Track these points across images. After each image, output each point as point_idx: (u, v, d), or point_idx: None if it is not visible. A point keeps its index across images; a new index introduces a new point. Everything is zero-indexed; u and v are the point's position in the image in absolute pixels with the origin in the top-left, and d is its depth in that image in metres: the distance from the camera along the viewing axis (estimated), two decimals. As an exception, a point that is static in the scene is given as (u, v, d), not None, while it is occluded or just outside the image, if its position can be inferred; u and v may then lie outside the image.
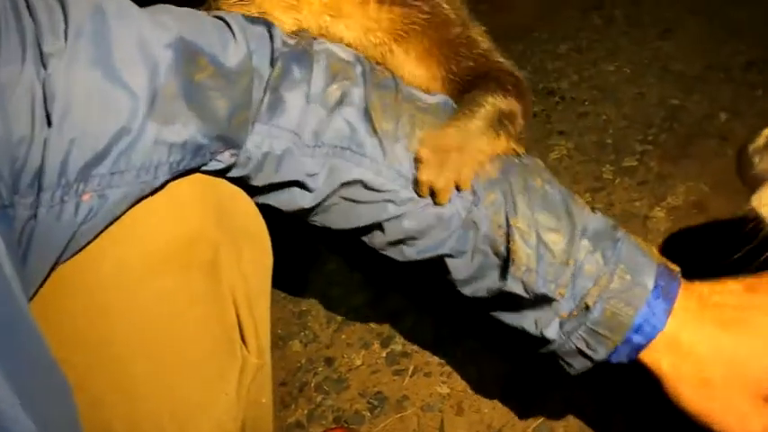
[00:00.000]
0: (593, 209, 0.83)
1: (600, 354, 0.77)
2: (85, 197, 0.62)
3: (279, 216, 0.83)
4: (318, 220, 0.83)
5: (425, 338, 1.41)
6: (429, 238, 0.79)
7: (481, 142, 0.76)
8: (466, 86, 0.82)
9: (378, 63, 0.84)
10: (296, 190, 0.78)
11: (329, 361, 1.43)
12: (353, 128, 0.76)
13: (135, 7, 0.68)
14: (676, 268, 0.79)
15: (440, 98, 0.83)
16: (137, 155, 0.64)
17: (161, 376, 0.71)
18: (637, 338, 0.74)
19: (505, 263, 0.77)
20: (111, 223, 0.66)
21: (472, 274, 0.81)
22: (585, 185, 1.65)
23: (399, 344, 1.42)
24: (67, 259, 0.65)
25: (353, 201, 0.78)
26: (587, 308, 0.74)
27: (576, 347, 0.78)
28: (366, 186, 0.77)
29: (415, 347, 1.40)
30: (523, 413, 1.23)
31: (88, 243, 0.66)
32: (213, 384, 0.74)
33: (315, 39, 0.80)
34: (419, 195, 0.77)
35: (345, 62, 0.79)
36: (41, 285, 0.65)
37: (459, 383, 1.31)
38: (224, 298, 0.74)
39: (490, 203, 0.76)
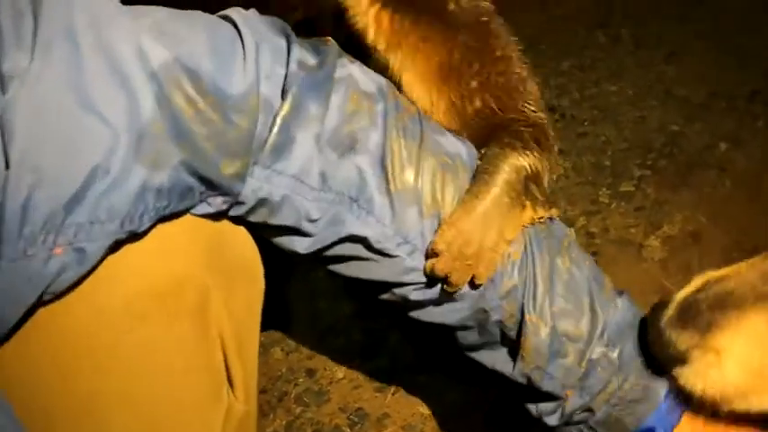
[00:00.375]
0: (619, 292, 0.76)
1: None
2: (57, 250, 0.53)
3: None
4: (324, 263, 0.76)
5: (410, 357, 1.39)
6: (435, 310, 0.74)
7: (504, 224, 0.68)
8: (487, 127, 0.75)
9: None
10: (293, 235, 0.70)
11: (311, 372, 1.40)
12: (364, 180, 0.67)
13: (121, 15, 0.57)
14: None
15: (463, 149, 0.74)
16: (120, 201, 0.55)
17: (143, 426, 0.65)
18: None
19: (514, 349, 0.72)
20: (91, 272, 0.58)
21: (478, 344, 0.77)
22: (581, 208, 1.63)
23: (384, 360, 1.39)
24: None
25: (357, 257, 0.71)
26: (592, 410, 0.71)
27: None
28: (368, 247, 0.70)
29: (400, 365, 1.37)
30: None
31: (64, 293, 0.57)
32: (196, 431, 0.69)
33: (339, 57, 0.70)
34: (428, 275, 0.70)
35: (367, 96, 0.68)
36: (13, 330, 0.57)
37: (442, 406, 1.29)
38: (212, 342, 0.68)
39: (506, 293, 0.70)
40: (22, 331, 0.57)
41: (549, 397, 0.73)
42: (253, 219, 0.69)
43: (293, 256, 0.74)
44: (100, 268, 0.59)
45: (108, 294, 0.60)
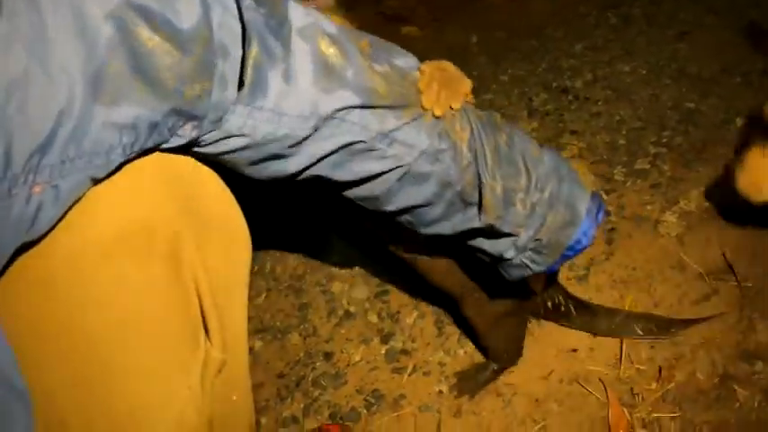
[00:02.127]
0: (543, 147, 0.97)
1: (540, 267, 0.97)
2: (36, 189, 0.59)
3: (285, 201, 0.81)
4: (306, 181, 0.84)
5: (427, 337, 1.39)
6: (410, 191, 0.88)
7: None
8: None
9: None
10: (279, 161, 0.78)
11: (328, 356, 1.41)
12: (347, 106, 0.77)
13: None
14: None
15: (412, 62, 0.87)
16: (86, 140, 0.60)
17: (118, 368, 0.68)
18: (569, 253, 0.97)
19: (477, 208, 0.91)
20: (68, 211, 0.63)
21: (440, 216, 0.92)
22: (597, 186, 1.61)
23: (400, 341, 1.39)
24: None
25: (342, 162, 0.81)
26: (539, 239, 0.94)
27: (523, 263, 0.97)
28: (354, 150, 0.80)
29: (416, 345, 1.37)
30: (522, 420, 1.21)
31: (45, 234, 0.62)
32: (174, 377, 0.71)
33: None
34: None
35: (328, 34, 0.78)
36: None
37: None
38: (186, 288, 0.71)
39: (464, 167, 0.88)
40: (3, 279, 0.62)
41: (506, 236, 0.94)
42: (229, 150, 0.74)
43: (276, 181, 0.82)
44: (74, 212, 0.63)
45: (82, 238, 0.64)
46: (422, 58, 0.88)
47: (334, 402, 1.33)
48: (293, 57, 0.73)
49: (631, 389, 1.22)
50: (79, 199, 0.64)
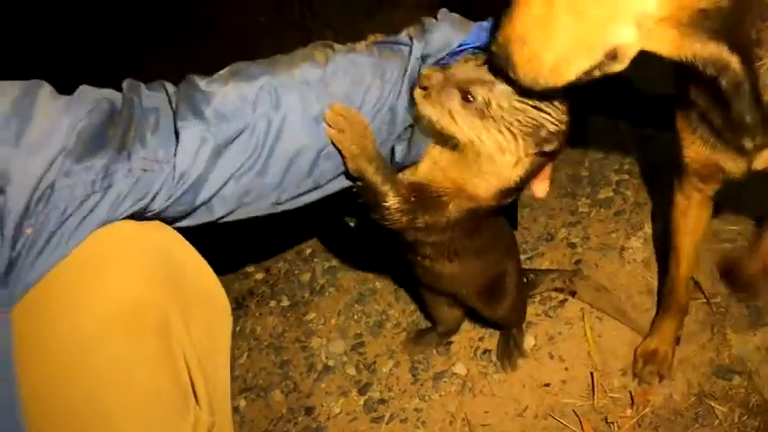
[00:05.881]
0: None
1: None
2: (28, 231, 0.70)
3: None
4: None
5: (402, 384, 1.40)
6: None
7: None
8: None
9: None
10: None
11: (309, 410, 1.42)
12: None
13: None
14: None
15: None
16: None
17: None
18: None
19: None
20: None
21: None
22: (562, 220, 1.64)
23: (377, 391, 1.40)
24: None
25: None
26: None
27: None
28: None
29: (392, 394, 1.39)
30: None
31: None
32: None
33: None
34: None
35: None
36: None
37: (435, 429, 1.30)
38: (175, 359, 0.77)
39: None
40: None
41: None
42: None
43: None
44: (73, 294, 0.71)
45: (84, 315, 0.71)
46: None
47: (317, 456, 1.34)
48: None
49: (606, 418, 1.23)
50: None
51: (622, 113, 1.86)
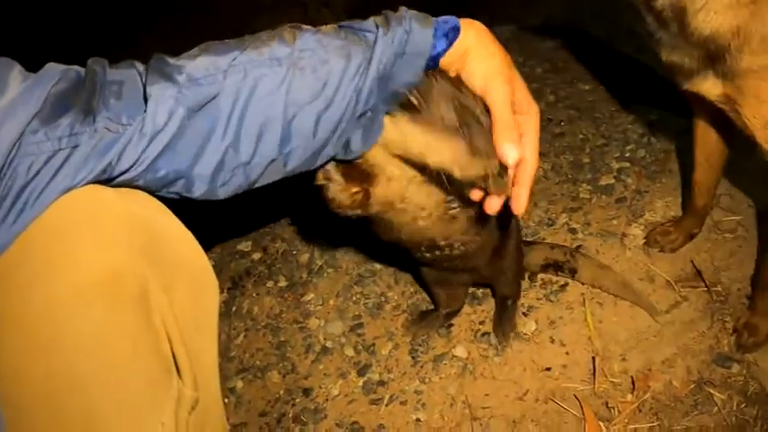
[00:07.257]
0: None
1: None
2: None
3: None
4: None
5: (402, 366, 1.39)
6: None
7: None
8: None
9: None
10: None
11: (307, 391, 1.41)
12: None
13: None
14: None
15: None
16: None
17: (95, 409, 0.71)
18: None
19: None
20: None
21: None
22: (563, 205, 1.64)
23: (376, 373, 1.40)
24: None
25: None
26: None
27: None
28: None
29: (392, 376, 1.38)
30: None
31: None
32: (147, 413, 0.74)
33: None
34: None
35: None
36: None
37: (435, 412, 1.29)
38: (156, 330, 0.75)
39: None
40: None
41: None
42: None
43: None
44: (48, 263, 0.69)
45: (60, 284, 0.69)
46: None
47: (315, 438, 1.33)
48: None
49: (606, 403, 1.23)
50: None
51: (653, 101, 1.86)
